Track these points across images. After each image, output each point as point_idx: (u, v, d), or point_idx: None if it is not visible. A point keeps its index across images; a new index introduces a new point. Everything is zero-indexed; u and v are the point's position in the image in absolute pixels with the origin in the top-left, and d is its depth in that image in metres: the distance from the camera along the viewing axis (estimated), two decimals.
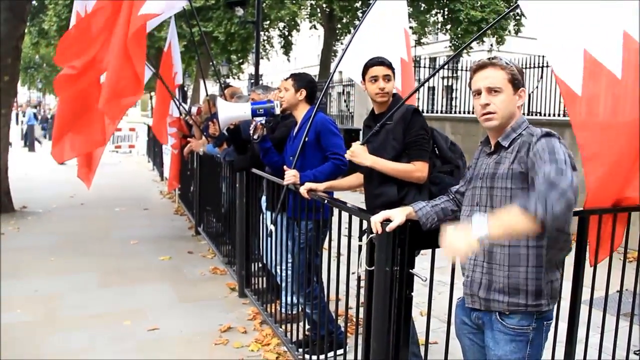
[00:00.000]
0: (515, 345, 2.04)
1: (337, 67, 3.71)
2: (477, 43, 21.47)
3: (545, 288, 2.03)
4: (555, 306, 2.48)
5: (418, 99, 14.80)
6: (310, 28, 24.50)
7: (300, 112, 3.77)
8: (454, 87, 13.35)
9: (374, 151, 3.03)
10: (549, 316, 2.09)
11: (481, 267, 2.09)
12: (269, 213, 3.96)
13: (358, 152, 3.03)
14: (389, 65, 3.06)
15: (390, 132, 2.98)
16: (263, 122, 3.78)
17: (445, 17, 20.50)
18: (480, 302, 2.10)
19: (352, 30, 3.92)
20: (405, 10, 4.16)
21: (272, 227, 3.67)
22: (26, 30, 10.69)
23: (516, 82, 2.04)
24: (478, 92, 2.07)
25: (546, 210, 1.68)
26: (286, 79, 3.85)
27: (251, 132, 3.76)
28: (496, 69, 2.04)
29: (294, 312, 3.84)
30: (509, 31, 20.58)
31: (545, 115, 10.19)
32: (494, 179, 2.04)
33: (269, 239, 3.98)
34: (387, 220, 2.29)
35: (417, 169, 2.94)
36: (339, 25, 22.50)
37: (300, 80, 3.78)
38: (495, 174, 2.04)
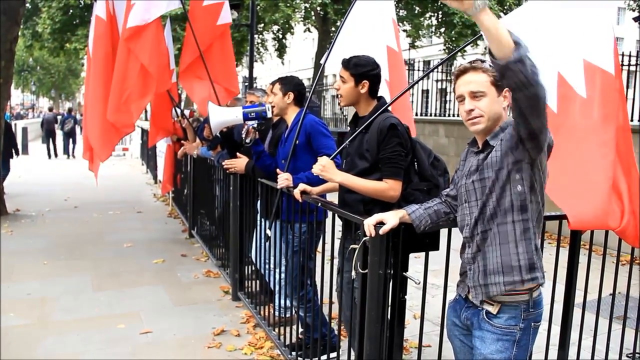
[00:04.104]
0: (501, 344, 2.03)
1: (323, 66, 3.68)
2: (472, 46, 21.51)
3: (538, 261, 2.04)
4: (549, 309, 2.50)
5: (412, 102, 14.86)
6: (305, 31, 24.44)
7: (290, 116, 3.77)
8: (448, 90, 13.38)
9: (349, 156, 2.98)
10: (537, 318, 2.09)
11: (475, 255, 2.09)
12: (263, 220, 3.95)
13: (328, 167, 2.86)
14: (345, 66, 2.96)
15: (366, 141, 2.86)
16: (255, 125, 3.78)
17: (440, 20, 20.52)
18: (481, 290, 2.07)
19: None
20: (391, 1, 4.11)
21: (269, 232, 3.66)
22: (20, 33, 10.65)
23: (499, 84, 2.03)
24: (462, 98, 2.07)
25: (527, 61, 1.73)
26: (273, 83, 3.85)
27: (243, 135, 3.76)
28: (477, 73, 2.04)
29: (288, 315, 3.83)
30: None
31: None
32: (483, 171, 2.05)
33: (261, 241, 3.98)
34: (380, 223, 2.30)
35: (390, 188, 2.78)
36: (333, 28, 22.45)
37: (287, 83, 3.77)
38: (483, 167, 2.05)
